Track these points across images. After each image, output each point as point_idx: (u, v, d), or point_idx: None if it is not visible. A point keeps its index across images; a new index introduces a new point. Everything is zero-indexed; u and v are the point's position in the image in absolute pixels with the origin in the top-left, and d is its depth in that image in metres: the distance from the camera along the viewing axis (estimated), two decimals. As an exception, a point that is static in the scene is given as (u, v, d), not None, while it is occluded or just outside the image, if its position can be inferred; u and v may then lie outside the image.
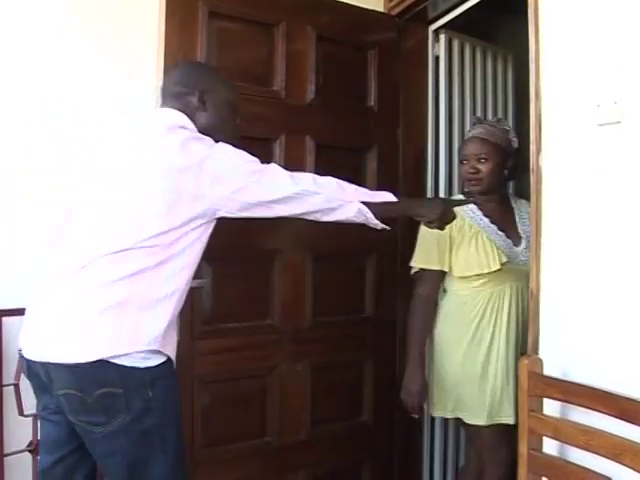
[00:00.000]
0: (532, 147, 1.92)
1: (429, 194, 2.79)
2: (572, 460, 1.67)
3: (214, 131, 1.82)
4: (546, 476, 1.74)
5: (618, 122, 1.63)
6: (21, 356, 1.74)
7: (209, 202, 1.69)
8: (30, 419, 2.16)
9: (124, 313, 1.62)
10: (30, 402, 2.15)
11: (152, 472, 1.67)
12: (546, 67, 1.88)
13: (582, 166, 1.75)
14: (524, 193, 2.15)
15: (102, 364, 1.59)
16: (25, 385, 2.13)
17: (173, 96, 1.85)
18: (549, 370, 1.77)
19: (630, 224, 1.60)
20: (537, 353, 1.88)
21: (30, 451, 2.18)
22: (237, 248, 2.35)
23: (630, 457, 1.47)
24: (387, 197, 1.88)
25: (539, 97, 1.89)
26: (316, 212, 1.78)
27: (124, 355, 1.61)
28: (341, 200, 1.78)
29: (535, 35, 1.91)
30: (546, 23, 1.88)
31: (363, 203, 1.79)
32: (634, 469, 1.45)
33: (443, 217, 1.91)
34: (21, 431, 2.18)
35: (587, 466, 1.61)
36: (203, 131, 1.80)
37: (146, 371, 1.64)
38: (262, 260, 2.46)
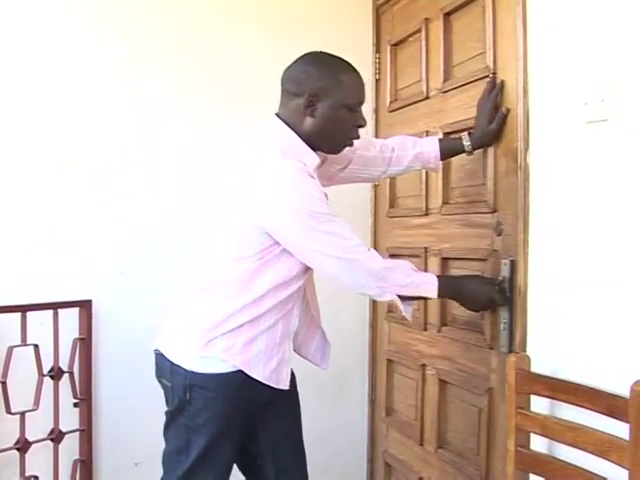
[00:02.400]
0: (520, 144, 1.93)
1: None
2: (560, 457, 1.67)
3: (319, 139, 1.75)
4: (534, 473, 1.75)
5: (605, 120, 1.63)
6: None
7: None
8: (17, 417, 2.16)
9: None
10: (18, 400, 2.15)
11: (174, 467, 1.75)
12: (534, 64, 1.88)
13: (570, 164, 1.75)
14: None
15: (158, 355, 1.77)
16: (12, 382, 2.13)
17: (284, 95, 1.77)
18: (537, 367, 1.78)
19: (618, 221, 1.60)
20: (525, 350, 1.88)
21: (18, 449, 2.17)
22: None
23: (617, 453, 1.47)
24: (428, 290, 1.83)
25: (527, 94, 1.90)
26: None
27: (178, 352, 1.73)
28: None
29: (523, 32, 1.91)
30: (534, 19, 1.88)
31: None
32: (621, 465, 1.46)
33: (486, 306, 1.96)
34: (9, 429, 2.17)
35: (575, 463, 1.61)
36: (306, 137, 1.74)
37: (189, 374, 1.69)
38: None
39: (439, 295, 1.84)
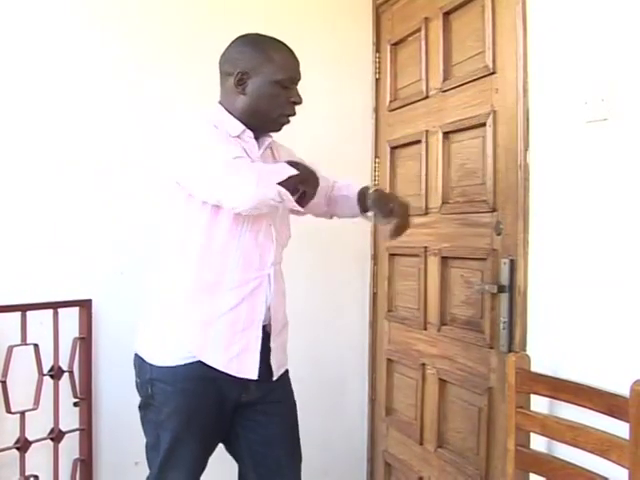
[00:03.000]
0: (520, 144, 1.93)
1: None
2: (560, 456, 1.68)
3: (254, 116, 1.75)
4: (534, 472, 1.75)
5: (605, 119, 1.63)
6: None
7: None
8: (17, 416, 2.16)
9: None
10: (18, 399, 2.15)
11: (151, 463, 1.76)
12: (534, 63, 1.88)
13: (569, 163, 1.75)
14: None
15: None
16: (12, 382, 2.13)
17: (222, 77, 1.80)
18: (537, 367, 1.78)
19: (618, 221, 1.60)
20: (525, 349, 1.88)
21: (18, 448, 2.17)
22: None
23: (617, 453, 1.47)
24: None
25: (526, 93, 1.90)
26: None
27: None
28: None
29: (523, 31, 1.91)
30: (534, 18, 1.89)
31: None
32: (621, 465, 1.46)
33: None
34: (9, 428, 2.17)
35: (575, 462, 1.61)
36: (240, 116, 1.74)
37: (152, 368, 1.71)
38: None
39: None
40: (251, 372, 1.71)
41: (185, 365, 1.67)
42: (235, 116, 1.75)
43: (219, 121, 1.74)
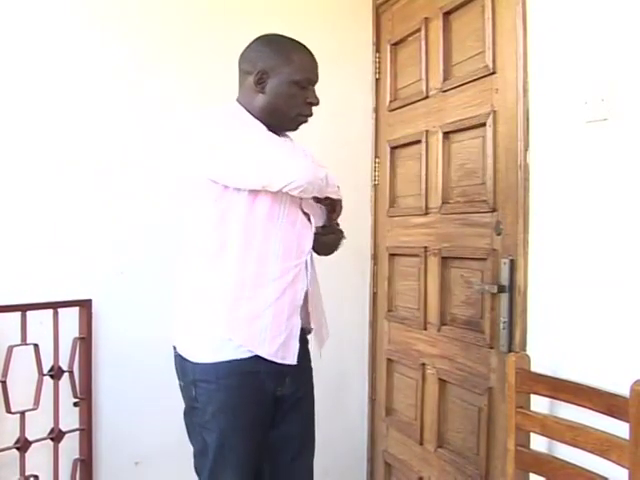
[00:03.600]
0: (520, 144, 1.93)
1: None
2: (560, 456, 1.68)
3: (272, 115, 1.76)
4: (534, 472, 1.75)
5: (605, 119, 1.63)
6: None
7: None
8: (17, 416, 2.16)
9: None
10: (18, 399, 2.15)
11: (202, 469, 1.74)
12: (534, 63, 1.88)
13: (569, 163, 1.75)
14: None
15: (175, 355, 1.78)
16: (12, 382, 2.13)
17: (241, 75, 1.81)
18: (537, 366, 1.78)
19: (618, 221, 1.60)
20: (525, 349, 1.88)
21: (18, 448, 2.17)
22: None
23: (617, 453, 1.48)
24: None
25: (526, 93, 1.90)
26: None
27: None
28: None
29: (523, 31, 1.92)
30: (534, 18, 1.89)
31: None
32: (620, 465, 1.46)
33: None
34: (9, 428, 2.17)
35: (574, 462, 1.61)
36: (259, 115, 1.76)
37: (195, 367, 1.69)
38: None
39: None
40: (293, 357, 1.73)
41: (230, 361, 1.66)
42: (254, 115, 1.76)
43: (240, 117, 1.76)
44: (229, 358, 1.66)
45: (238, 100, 1.81)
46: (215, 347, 1.67)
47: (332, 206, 1.85)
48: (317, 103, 1.81)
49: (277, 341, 1.69)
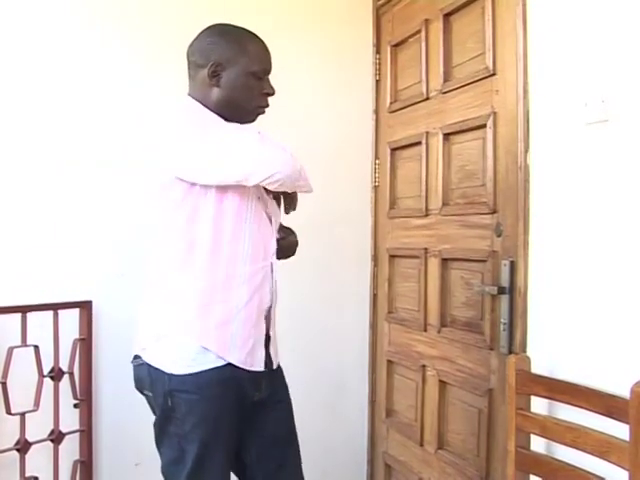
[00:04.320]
0: (520, 145, 1.93)
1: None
2: (560, 457, 1.68)
3: (229, 108, 1.70)
4: (534, 474, 1.75)
5: (605, 121, 1.63)
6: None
7: None
8: (18, 417, 2.15)
9: None
10: (18, 400, 2.15)
11: (171, 478, 1.69)
12: (534, 65, 1.88)
13: (570, 164, 1.75)
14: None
15: (135, 366, 1.75)
16: (12, 383, 2.13)
17: (191, 68, 1.74)
18: (537, 368, 1.78)
19: (617, 222, 1.60)
20: (525, 351, 1.88)
21: (18, 450, 2.17)
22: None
23: (616, 454, 1.47)
24: None
25: (527, 95, 1.90)
26: None
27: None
28: None
29: (523, 32, 1.92)
30: (534, 20, 1.89)
31: None
32: (620, 466, 1.46)
33: None
34: (9, 430, 2.17)
35: (574, 463, 1.61)
36: (215, 109, 1.69)
37: (170, 378, 1.63)
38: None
39: None
40: (260, 364, 1.70)
41: (210, 370, 1.62)
42: (210, 108, 1.70)
43: (200, 112, 1.70)
44: (207, 367, 1.62)
45: (190, 95, 1.74)
46: (191, 357, 1.62)
47: (291, 199, 1.78)
48: (273, 93, 1.76)
49: (246, 348, 1.67)
